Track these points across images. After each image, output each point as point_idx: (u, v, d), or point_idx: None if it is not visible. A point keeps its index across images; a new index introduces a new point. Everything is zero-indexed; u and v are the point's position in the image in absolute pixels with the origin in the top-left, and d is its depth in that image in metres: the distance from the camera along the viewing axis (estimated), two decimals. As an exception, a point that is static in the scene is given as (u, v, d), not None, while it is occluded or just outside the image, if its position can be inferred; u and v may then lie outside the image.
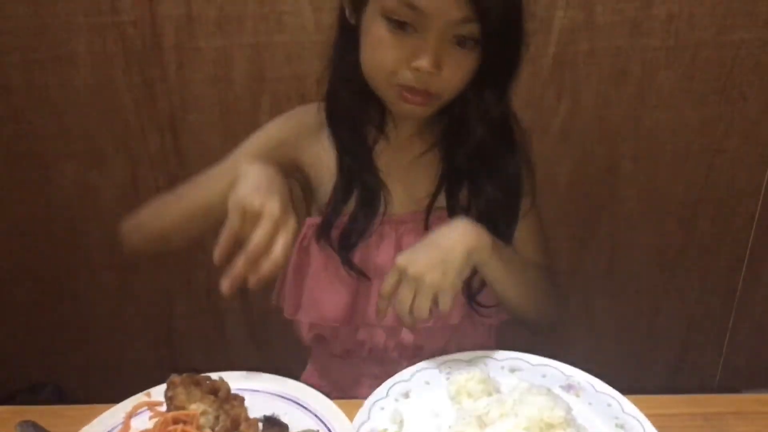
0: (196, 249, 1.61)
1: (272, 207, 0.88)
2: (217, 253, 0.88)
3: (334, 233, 1.10)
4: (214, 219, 0.97)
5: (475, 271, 1.10)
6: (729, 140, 1.44)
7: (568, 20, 1.32)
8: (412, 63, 0.92)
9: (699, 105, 1.41)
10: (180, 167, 1.52)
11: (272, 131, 1.15)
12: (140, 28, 1.38)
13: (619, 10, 1.31)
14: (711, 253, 1.55)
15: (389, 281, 0.95)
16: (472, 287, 1.12)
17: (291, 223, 0.90)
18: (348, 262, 1.10)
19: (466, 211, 1.10)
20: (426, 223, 1.10)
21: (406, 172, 1.13)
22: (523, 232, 1.12)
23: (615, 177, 1.49)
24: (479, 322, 1.17)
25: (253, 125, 1.45)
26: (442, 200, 1.11)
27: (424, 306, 0.92)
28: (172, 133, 1.49)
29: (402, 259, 0.94)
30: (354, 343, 1.17)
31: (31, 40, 1.40)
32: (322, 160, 1.12)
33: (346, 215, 1.10)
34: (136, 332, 1.71)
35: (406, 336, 1.14)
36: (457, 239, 0.96)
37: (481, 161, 1.07)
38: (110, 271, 1.65)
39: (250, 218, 0.88)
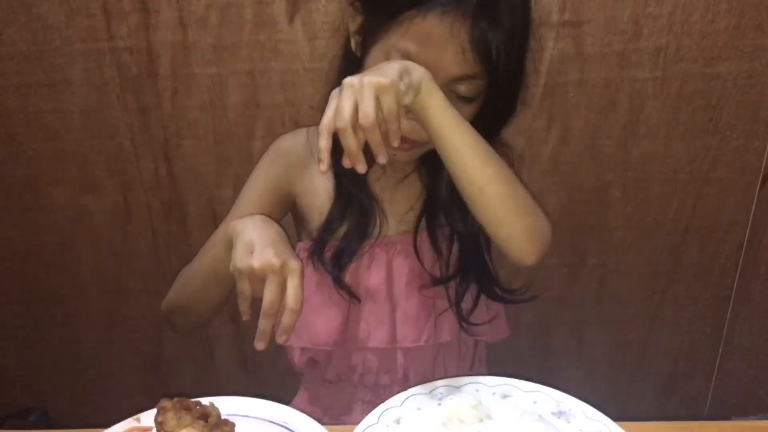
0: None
1: (270, 260, 0.90)
2: (244, 315, 0.95)
3: (327, 254, 1.11)
4: (227, 283, 1.00)
5: (465, 289, 1.12)
6: (717, 170, 1.45)
7: (558, 51, 1.35)
8: (409, 114, 0.93)
9: (687, 135, 1.43)
10: (173, 193, 1.52)
11: (261, 180, 1.18)
12: (136, 55, 1.39)
13: (608, 42, 1.34)
14: (700, 281, 1.56)
15: (331, 105, 0.84)
16: (464, 307, 1.13)
17: (293, 265, 0.92)
18: (339, 283, 1.11)
19: (450, 234, 1.12)
20: (415, 245, 1.11)
21: (392, 193, 1.14)
22: None
23: (604, 206, 1.50)
24: (471, 341, 1.18)
25: (246, 151, 1.48)
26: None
27: (368, 108, 0.81)
28: (166, 158, 1.49)
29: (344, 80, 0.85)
30: (346, 367, 1.17)
31: (26, 64, 1.41)
32: (315, 186, 1.14)
33: (340, 235, 1.11)
34: (125, 357, 1.70)
35: (398, 358, 1.15)
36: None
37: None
38: (101, 296, 1.64)
39: (256, 278, 0.90)
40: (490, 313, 1.17)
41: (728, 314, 1.60)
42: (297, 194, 1.16)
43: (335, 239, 1.11)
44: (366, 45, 1.01)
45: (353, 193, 1.11)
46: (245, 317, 0.94)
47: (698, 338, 1.63)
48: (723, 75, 1.36)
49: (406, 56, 0.93)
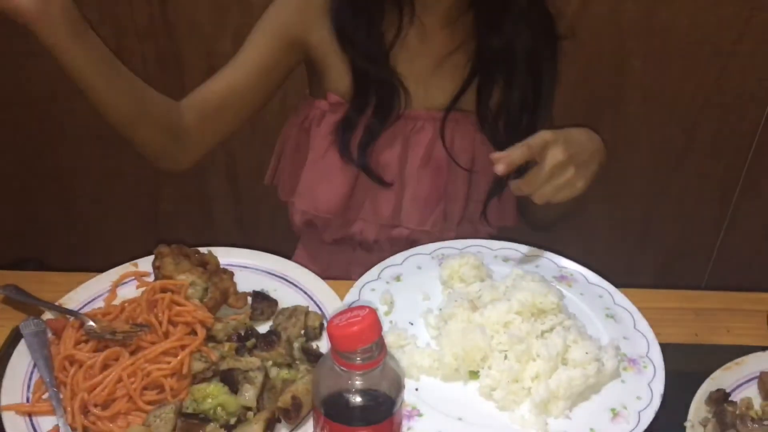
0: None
1: None
2: None
3: (353, 141, 1.06)
4: None
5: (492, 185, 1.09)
6: (743, 43, 1.38)
7: None
8: None
9: (714, 5, 1.35)
10: (169, 42, 1.45)
11: (272, 22, 1.07)
12: None
13: None
14: (711, 159, 1.53)
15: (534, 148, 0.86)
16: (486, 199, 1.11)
17: None
18: (367, 170, 1.07)
19: (495, 115, 1.07)
20: (443, 122, 1.06)
21: (430, 73, 1.07)
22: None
23: (622, 76, 1.44)
24: (479, 229, 1.15)
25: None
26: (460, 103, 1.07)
27: (580, 184, 0.90)
28: (161, 4, 1.40)
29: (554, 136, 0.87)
30: (345, 234, 1.15)
31: None
32: (330, 43, 1.06)
33: (364, 117, 1.06)
34: (122, 213, 1.68)
35: (401, 232, 1.13)
36: (595, 140, 0.96)
37: (517, 52, 1.03)
38: (94, 145, 1.59)
39: None
40: (502, 203, 1.15)
41: (735, 195, 1.57)
42: (311, 45, 1.07)
43: (359, 126, 1.06)
44: None
45: (372, 73, 1.05)
46: None
47: (702, 217, 1.62)
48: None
49: None
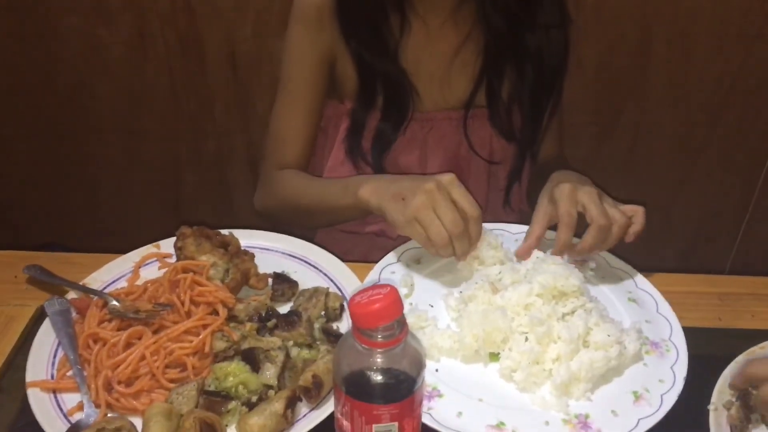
0: (204, 119, 1.57)
1: (423, 187, 0.83)
2: (459, 259, 0.88)
3: (365, 143, 1.06)
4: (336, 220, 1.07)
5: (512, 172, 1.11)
6: (768, 26, 1.36)
7: None
8: None
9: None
10: (191, 27, 1.45)
11: (306, 54, 1.06)
12: None
13: None
14: (735, 145, 1.51)
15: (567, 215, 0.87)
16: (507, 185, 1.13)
17: (445, 178, 0.85)
18: (381, 170, 1.07)
19: (507, 108, 1.06)
20: (464, 121, 1.05)
21: (442, 70, 1.07)
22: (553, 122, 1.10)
23: (646, 60, 1.42)
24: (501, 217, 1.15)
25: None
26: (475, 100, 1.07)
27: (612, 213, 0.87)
28: (182, -12, 1.41)
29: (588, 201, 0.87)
30: (366, 231, 1.16)
31: None
32: (339, 43, 1.05)
33: (372, 120, 1.06)
34: (143, 199, 1.70)
35: None
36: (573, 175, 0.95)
37: (523, 35, 1.02)
38: (118, 136, 1.61)
39: (425, 217, 0.83)
40: (522, 186, 1.15)
41: (760, 180, 1.55)
42: (335, 57, 1.07)
43: (368, 128, 1.06)
44: None
45: (378, 69, 1.04)
46: (460, 260, 0.87)
47: (726, 202, 1.59)
48: None
49: None
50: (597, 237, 0.85)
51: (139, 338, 0.78)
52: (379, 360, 0.62)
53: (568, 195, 0.86)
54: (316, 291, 0.87)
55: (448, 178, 0.84)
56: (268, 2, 1.41)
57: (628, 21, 1.38)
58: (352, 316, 0.60)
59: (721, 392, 0.75)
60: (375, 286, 0.61)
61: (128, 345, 0.77)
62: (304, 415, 0.72)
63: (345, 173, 1.09)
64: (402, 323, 0.62)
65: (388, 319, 0.60)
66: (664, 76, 1.43)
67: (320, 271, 0.93)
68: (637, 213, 0.89)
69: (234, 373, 0.74)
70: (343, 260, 0.95)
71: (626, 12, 1.37)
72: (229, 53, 1.48)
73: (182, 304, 0.81)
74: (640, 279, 0.92)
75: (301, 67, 1.07)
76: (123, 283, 0.89)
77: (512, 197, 1.13)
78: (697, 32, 1.37)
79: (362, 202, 0.90)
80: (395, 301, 0.60)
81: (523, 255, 0.88)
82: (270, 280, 0.90)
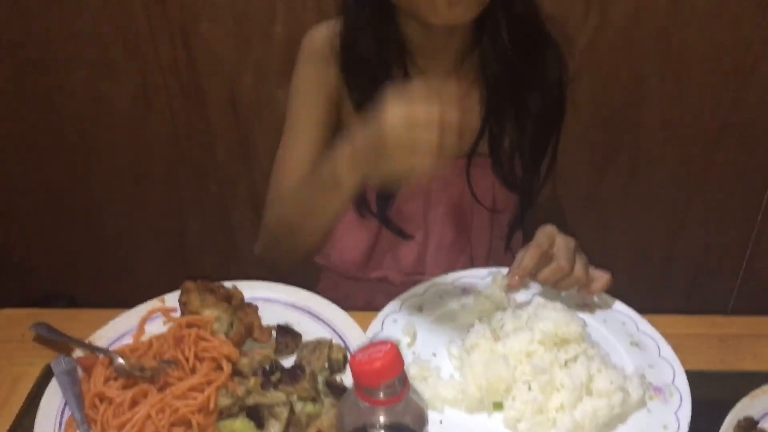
0: (208, 163, 1.60)
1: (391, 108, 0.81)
2: None
3: (370, 194, 1.07)
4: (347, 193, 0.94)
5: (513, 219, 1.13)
6: (762, 62, 1.38)
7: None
8: None
9: (733, 23, 1.34)
10: (191, 77, 1.48)
11: (312, 94, 1.06)
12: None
13: None
14: (733, 180, 1.52)
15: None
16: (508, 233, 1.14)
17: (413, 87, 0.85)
18: (387, 223, 1.07)
19: (509, 156, 1.08)
20: (467, 169, 1.06)
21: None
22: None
23: (640, 98, 1.44)
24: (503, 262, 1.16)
25: (266, 35, 1.42)
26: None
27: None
28: (184, 42, 1.44)
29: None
30: (368, 277, 1.16)
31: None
32: (341, 87, 1.06)
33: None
34: (148, 245, 1.71)
35: (426, 278, 1.13)
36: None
37: (524, 84, 1.03)
38: (122, 182, 1.63)
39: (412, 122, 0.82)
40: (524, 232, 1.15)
41: (759, 216, 1.56)
42: (342, 98, 1.07)
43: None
44: None
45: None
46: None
47: (726, 239, 1.60)
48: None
49: None
50: (552, 276, 0.90)
51: (145, 396, 0.78)
52: (381, 417, 0.62)
53: (548, 233, 0.92)
54: (319, 343, 0.87)
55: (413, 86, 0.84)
56: (268, 52, 1.44)
57: (621, 58, 1.40)
58: (353, 375, 0.61)
59: (726, 437, 0.75)
60: (375, 343, 0.62)
61: (134, 403, 0.77)
62: (310, 471, 0.73)
63: (348, 220, 1.10)
64: (403, 380, 0.62)
65: (388, 377, 0.61)
66: (658, 113, 1.45)
67: (322, 321, 0.94)
68: (600, 279, 0.93)
69: (239, 431, 0.74)
70: (345, 306, 0.96)
71: (619, 49, 1.39)
72: (230, 100, 1.51)
73: (187, 360, 0.81)
74: (642, 322, 0.92)
75: (308, 104, 1.07)
76: (129, 339, 0.90)
77: (513, 242, 1.14)
78: (689, 69, 1.40)
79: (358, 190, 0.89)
80: (395, 358, 0.61)
81: (514, 284, 0.93)
82: (273, 333, 0.91)
